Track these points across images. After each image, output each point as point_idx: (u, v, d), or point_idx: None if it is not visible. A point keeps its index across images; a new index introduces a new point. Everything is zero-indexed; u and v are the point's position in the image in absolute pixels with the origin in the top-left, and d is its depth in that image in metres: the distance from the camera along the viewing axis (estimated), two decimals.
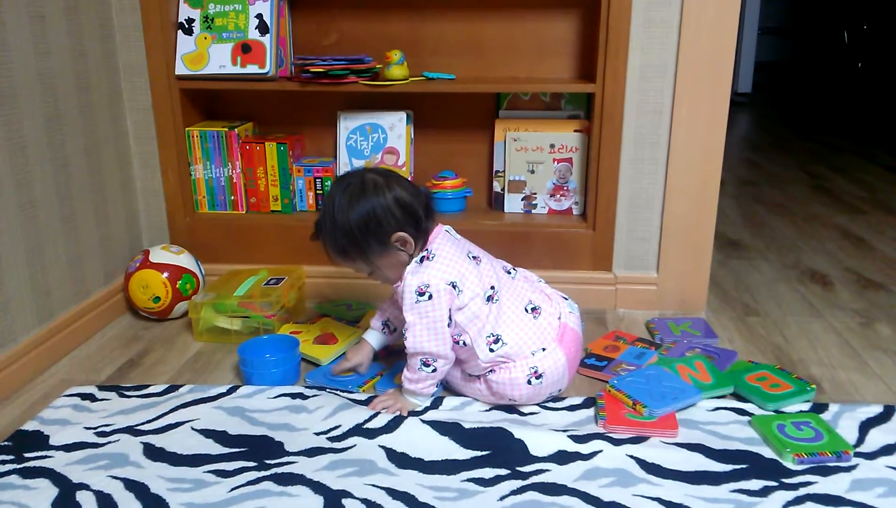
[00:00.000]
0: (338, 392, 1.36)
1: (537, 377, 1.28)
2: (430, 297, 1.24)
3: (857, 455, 1.16)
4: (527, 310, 1.32)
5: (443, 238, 1.31)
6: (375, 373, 1.44)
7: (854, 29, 5.25)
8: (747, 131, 4.41)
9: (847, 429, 1.23)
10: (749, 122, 4.73)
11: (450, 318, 1.26)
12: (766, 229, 2.44)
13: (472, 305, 1.27)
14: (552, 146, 1.79)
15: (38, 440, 1.22)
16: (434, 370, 1.28)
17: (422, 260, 1.28)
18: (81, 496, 1.08)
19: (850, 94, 5.25)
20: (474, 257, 1.32)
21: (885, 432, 1.22)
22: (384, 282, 1.35)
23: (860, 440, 1.20)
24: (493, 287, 1.29)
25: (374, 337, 1.45)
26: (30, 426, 1.27)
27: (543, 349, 1.30)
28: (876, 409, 1.29)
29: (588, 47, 1.77)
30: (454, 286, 1.26)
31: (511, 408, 1.31)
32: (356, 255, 1.29)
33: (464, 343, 1.28)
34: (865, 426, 1.24)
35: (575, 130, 1.78)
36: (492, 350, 1.28)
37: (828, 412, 1.29)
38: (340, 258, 1.30)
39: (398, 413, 1.28)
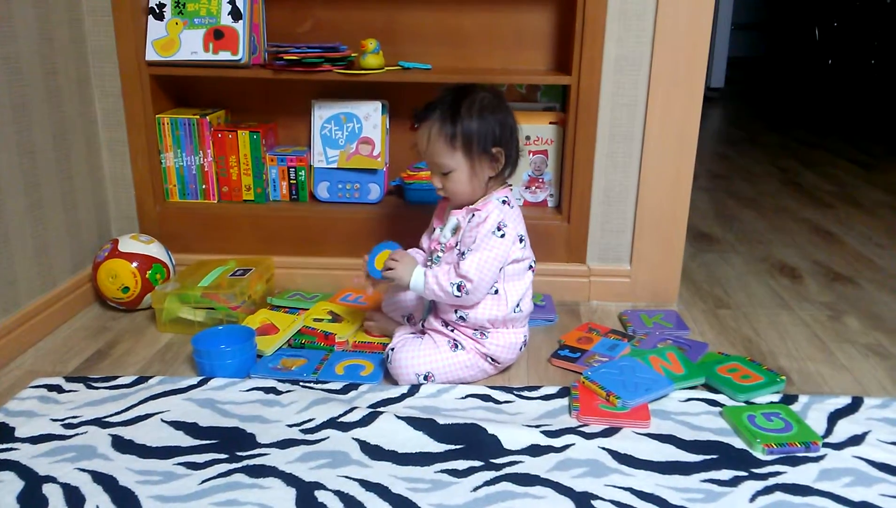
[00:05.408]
0: (311, 385, 1.35)
1: (524, 345, 1.43)
2: (504, 236, 1.33)
3: (826, 445, 1.18)
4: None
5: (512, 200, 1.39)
6: (317, 363, 1.42)
7: (825, 26, 5.32)
8: (720, 126, 4.45)
9: (816, 420, 1.25)
10: (721, 116, 4.78)
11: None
12: (738, 222, 2.47)
13: (522, 264, 1.39)
14: (528, 138, 1.79)
15: (4, 433, 1.20)
16: (457, 297, 1.32)
17: (504, 202, 1.36)
18: (48, 489, 1.06)
19: (820, 90, 5.33)
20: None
21: (852, 423, 1.25)
22: (447, 195, 1.38)
23: (828, 431, 1.22)
24: (535, 261, 1.43)
25: (420, 255, 1.49)
26: None
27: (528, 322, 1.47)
28: (844, 400, 1.31)
29: (564, 39, 1.76)
30: (521, 240, 1.37)
31: (487, 396, 1.32)
32: (462, 145, 1.31)
33: (496, 291, 1.36)
34: (833, 417, 1.26)
35: (550, 123, 1.78)
36: (514, 312, 1.38)
37: (797, 403, 1.31)
38: (443, 142, 1.31)
39: (390, 277, 1.36)
